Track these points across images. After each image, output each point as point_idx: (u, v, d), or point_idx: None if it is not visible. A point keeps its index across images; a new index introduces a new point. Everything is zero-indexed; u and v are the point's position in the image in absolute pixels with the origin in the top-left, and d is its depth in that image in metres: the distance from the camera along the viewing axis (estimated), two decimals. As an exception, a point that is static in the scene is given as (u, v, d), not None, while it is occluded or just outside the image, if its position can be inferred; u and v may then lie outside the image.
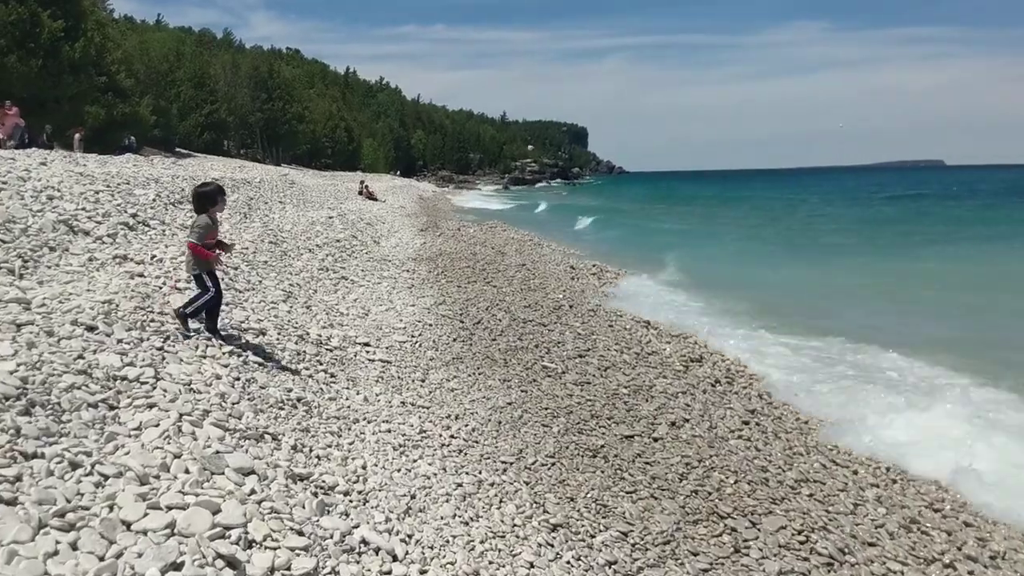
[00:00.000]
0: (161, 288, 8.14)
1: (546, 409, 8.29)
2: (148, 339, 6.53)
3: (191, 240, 7.28)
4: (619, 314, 14.20)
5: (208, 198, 7.36)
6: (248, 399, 6.23)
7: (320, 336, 9.39)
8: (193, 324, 7.28)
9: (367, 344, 10.04)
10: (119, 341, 6.23)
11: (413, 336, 11.14)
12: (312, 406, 6.91)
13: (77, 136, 38.00)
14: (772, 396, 10.03)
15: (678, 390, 9.29)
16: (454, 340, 11.36)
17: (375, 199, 42.84)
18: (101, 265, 8.87)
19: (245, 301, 9.53)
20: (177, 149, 63.33)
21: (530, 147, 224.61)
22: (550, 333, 11.99)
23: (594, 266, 22.03)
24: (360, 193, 43.43)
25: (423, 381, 9.13)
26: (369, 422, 7.19)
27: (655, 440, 7.51)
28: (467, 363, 10.19)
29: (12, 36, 36.33)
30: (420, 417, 7.75)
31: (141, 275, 8.60)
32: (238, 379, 6.54)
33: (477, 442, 7.26)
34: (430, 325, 12.00)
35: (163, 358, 6.23)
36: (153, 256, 9.81)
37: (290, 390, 6.98)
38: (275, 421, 6.06)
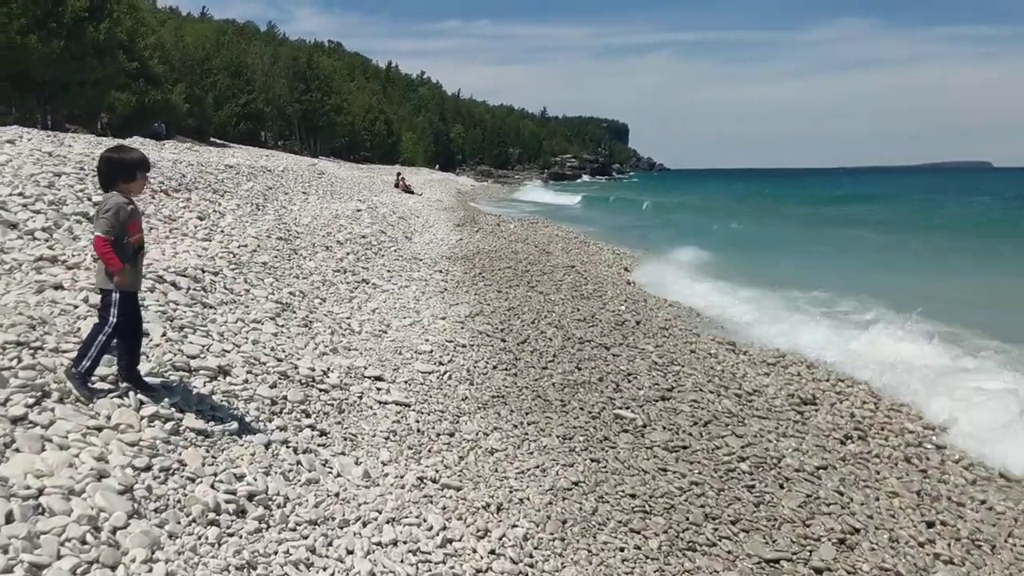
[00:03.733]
0: (77, 308, 5.63)
1: (632, 498, 5.65)
2: (3, 402, 4.02)
3: (97, 233, 4.58)
4: (696, 333, 11.56)
5: (122, 168, 4.71)
6: (154, 513, 3.71)
7: (314, 371, 6.84)
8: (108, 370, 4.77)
9: (379, 378, 7.49)
10: (-59, 409, 3.74)
11: (441, 363, 8.57)
12: (273, 505, 4.37)
13: (100, 121, 36.17)
14: (927, 457, 7.37)
15: (817, 463, 6.60)
16: (494, 368, 8.80)
17: (412, 192, 40.48)
18: (9, 270, 6.40)
19: (211, 322, 6.98)
20: (212, 139, 61.54)
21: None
22: (616, 360, 9.36)
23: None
24: (396, 186, 41.13)
25: (451, 436, 6.57)
26: (365, 525, 4.64)
27: (819, 573, 4.85)
28: (512, 404, 7.63)
29: (33, 15, 34.31)
30: (444, 508, 5.18)
31: (60, 287, 6.12)
32: (147, 470, 4.00)
33: (532, 565, 4.66)
34: (463, 346, 9.42)
35: (9, 442, 3.70)
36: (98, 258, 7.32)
37: (241, 478, 4.44)
38: (190, 558, 3.52)
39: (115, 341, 4.71)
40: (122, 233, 4.60)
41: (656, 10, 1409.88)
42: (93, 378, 4.65)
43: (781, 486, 6.09)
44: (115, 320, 4.57)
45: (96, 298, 5.88)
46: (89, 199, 9.82)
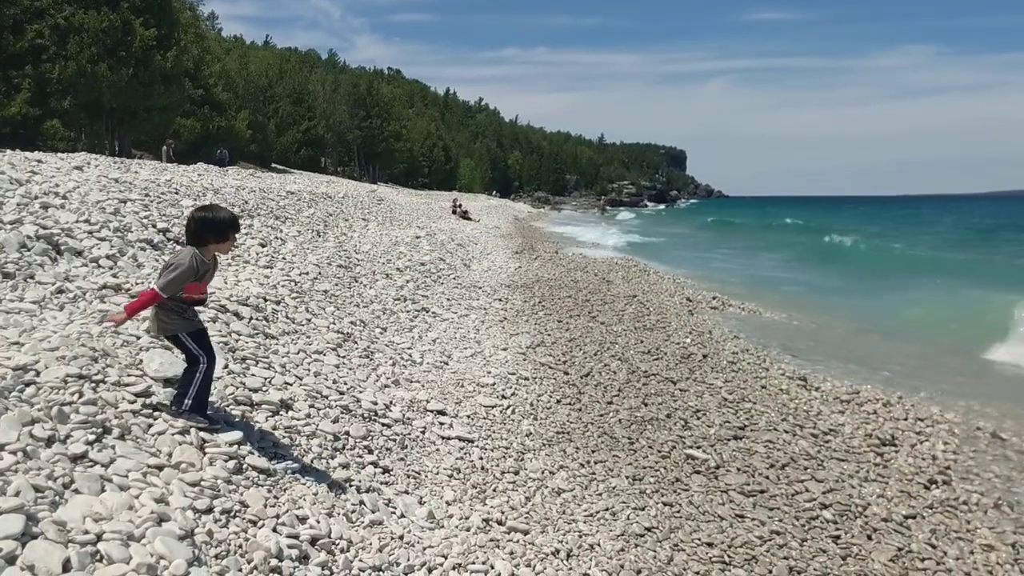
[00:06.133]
0: (139, 339, 5.54)
1: (710, 547, 5.36)
2: (64, 439, 3.90)
3: (155, 286, 4.47)
4: (765, 367, 11.18)
5: (212, 227, 4.65)
6: (215, 560, 3.54)
7: (376, 404, 6.69)
8: (188, 401, 4.64)
9: (442, 412, 7.32)
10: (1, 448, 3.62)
11: (504, 396, 8.38)
12: (337, 550, 4.19)
13: (165, 147, 36.85)
14: (1020, 502, 6.94)
15: (905, 512, 6.23)
16: (557, 402, 8.57)
17: (469, 219, 40.53)
18: (73, 299, 6.36)
19: (273, 353, 6.85)
20: (273, 165, 62.40)
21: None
22: (684, 396, 9.06)
23: (714, 298, 18.96)
24: (453, 212, 41.20)
25: (516, 474, 6.35)
26: (431, 571, 4.44)
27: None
28: (577, 442, 7.38)
29: (104, 44, 35.20)
30: (512, 553, 4.96)
31: (124, 316, 6.04)
32: (208, 513, 3.85)
33: (606, 618, 4.41)
34: (526, 379, 9.21)
35: (69, 483, 3.57)
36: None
37: (303, 520, 4.27)
38: (249, 612, 3.34)
39: (184, 373, 4.67)
40: (177, 292, 4.49)
41: (715, 38, 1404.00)
42: (156, 414, 4.54)
43: (869, 537, 5.73)
44: (203, 356, 4.61)
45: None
46: (154, 226, 9.86)
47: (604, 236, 47.84)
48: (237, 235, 4.87)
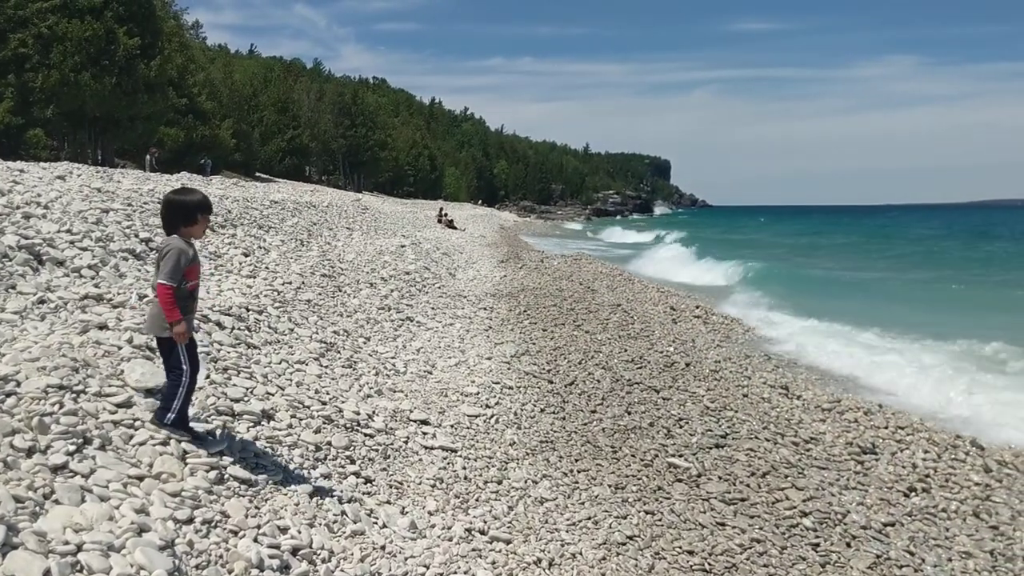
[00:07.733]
0: (120, 349, 5.53)
1: (691, 555, 5.39)
2: (44, 450, 3.89)
3: (161, 281, 4.43)
4: (747, 376, 11.23)
5: (182, 210, 4.63)
6: (195, 571, 3.55)
7: (358, 414, 6.69)
8: (172, 415, 4.62)
9: (425, 422, 7.32)
10: (-24, 462, 3.61)
11: (488, 406, 8.39)
12: (318, 560, 4.20)
13: (149, 156, 36.76)
14: (997, 512, 6.99)
15: (884, 519, 6.28)
16: (542, 411, 8.60)
17: (454, 228, 40.53)
18: (54, 310, 6.34)
19: (255, 363, 6.85)
20: (258, 174, 62.22)
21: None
22: (667, 404, 9.10)
23: (697, 307, 19.01)
24: (439, 221, 41.21)
25: (499, 484, 6.36)
26: (413, 581, 4.45)
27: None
28: (560, 450, 7.41)
29: (87, 53, 35.06)
30: (494, 563, 4.98)
31: (105, 326, 6.03)
32: (188, 523, 3.85)
33: (587, 627, 4.43)
34: (510, 388, 9.24)
35: (49, 493, 3.56)
36: (144, 296, 7.27)
37: (284, 530, 4.27)
38: (230, 622, 3.35)
39: (167, 384, 4.66)
40: (181, 280, 4.49)
41: (699, 48, 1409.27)
42: (137, 424, 4.54)
43: (848, 544, 5.78)
44: (187, 367, 4.54)
45: (141, 339, 5.79)
46: (136, 235, 9.83)
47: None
48: (207, 217, 4.76)
